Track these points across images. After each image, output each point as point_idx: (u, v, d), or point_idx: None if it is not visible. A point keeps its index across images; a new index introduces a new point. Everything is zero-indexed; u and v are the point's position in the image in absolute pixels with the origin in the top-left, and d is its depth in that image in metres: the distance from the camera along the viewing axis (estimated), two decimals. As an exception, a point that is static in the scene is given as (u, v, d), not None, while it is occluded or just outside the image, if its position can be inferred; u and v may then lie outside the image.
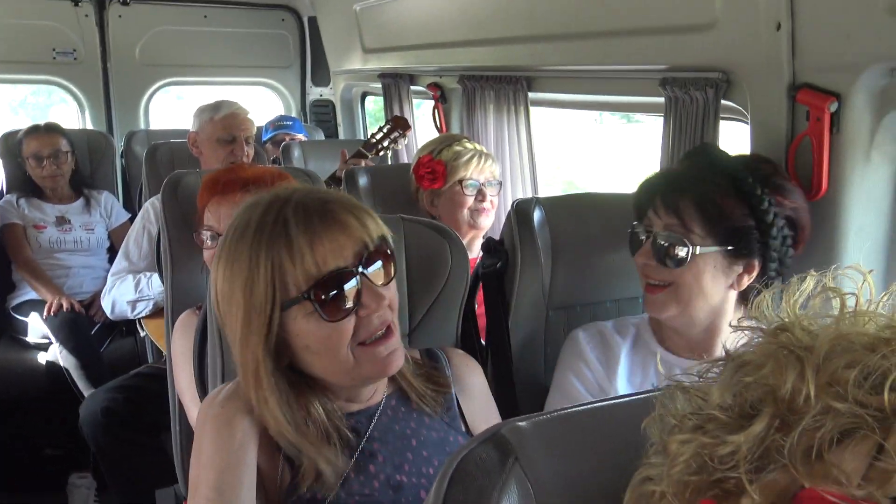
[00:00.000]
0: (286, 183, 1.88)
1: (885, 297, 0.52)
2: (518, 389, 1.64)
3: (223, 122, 2.95)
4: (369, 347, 1.11)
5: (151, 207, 2.76)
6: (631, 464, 0.59)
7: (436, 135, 3.14)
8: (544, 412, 0.69)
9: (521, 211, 1.67)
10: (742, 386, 0.50)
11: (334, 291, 1.06)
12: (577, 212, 1.72)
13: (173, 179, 2.33)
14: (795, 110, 1.56)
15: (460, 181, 2.29)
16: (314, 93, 4.55)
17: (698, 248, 1.36)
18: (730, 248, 1.37)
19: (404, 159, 3.46)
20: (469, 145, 2.36)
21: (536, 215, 1.68)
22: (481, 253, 1.82)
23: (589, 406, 0.70)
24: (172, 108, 4.70)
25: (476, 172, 2.31)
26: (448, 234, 1.58)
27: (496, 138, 2.74)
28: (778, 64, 1.55)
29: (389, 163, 3.46)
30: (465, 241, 1.95)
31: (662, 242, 1.39)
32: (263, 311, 1.06)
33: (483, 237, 2.31)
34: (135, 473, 2.49)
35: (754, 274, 1.39)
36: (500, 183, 2.38)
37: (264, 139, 4.04)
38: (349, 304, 1.08)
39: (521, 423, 0.68)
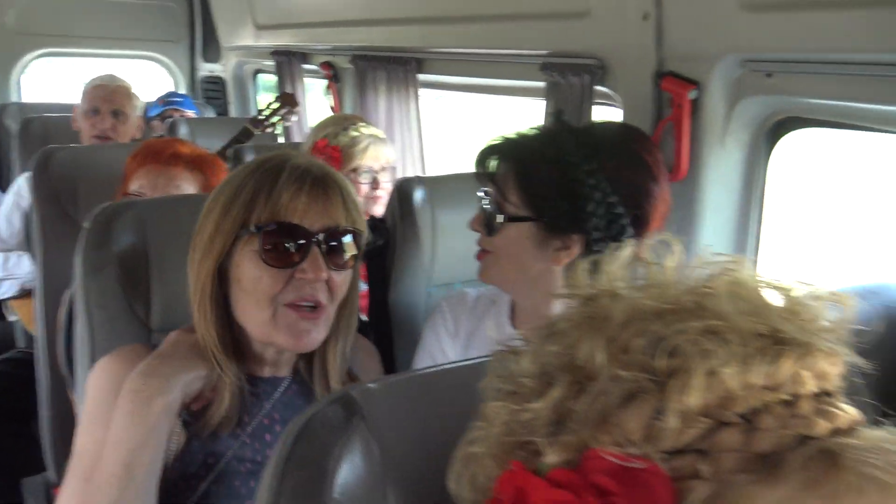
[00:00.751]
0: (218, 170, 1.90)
1: (692, 268, 0.55)
2: (398, 365, 1.67)
3: (90, 93, 2.87)
4: (292, 312, 1.12)
5: (25, 182, 2.62)
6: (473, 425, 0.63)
7: (330, 114, 3.12)
8: (395, 374, 0.72)
9: (402, 190, 1.70)
10: (547, 354, 0.53)
11: (284, 242, 1.11)
12: (459, 191, 1.76)
13: (45, 154, 2.22)
14: (661, 97, 1.65)
15: (354, 169, 2.23)
16: (205, 69, 4.40)
17: (510, 217, 1.33)
18: (544, 220, 1.31)
19: (295, 138, 3.41)
20: (365, 130, 2.30)
21: (418, 194, 1.71)
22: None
23: (437, 369, 0.73)
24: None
25: (371, 160, 2.25)
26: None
27: (387, 119, 2.74)
28: (645, 52, 1.64)
29: (280, 140, 3.41)
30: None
31: (486, 209, 1.37)
32: (227, 235, 1.12)
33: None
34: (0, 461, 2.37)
35: (574, 251, 1.31)
36: (394, 168, 2.35)
37: (150, 115, 3.87)
38: (290, 260, 1.12)
39: (370, 385, 0.71)
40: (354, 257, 1.18)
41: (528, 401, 0.53)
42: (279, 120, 3.04)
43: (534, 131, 1.41)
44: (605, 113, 1.89)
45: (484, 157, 1.39)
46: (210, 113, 4.18)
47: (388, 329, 1.71)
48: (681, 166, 1.64)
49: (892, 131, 1.40)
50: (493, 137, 1.42)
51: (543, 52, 1.95)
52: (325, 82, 3.26)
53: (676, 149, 1.63)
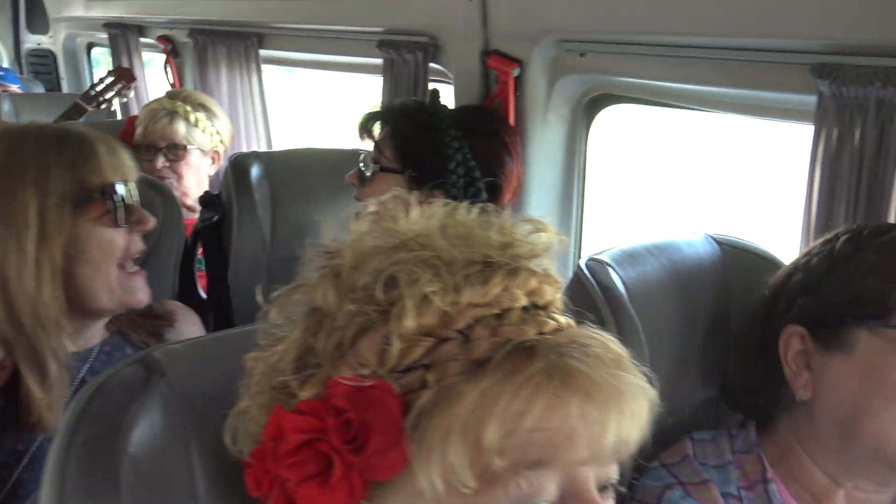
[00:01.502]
0: None
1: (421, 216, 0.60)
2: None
3: None
4: (129, 274, 1.18)
5: None
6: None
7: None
8: (199, 336, 0.73)
9: (237, 165, 1.68)
10: (290, 303, 0.59)
11: (119, 198, 1.14)
12: (296, 166, 1.77)
13: None
14: (488, 74, 1.74)
15: (136, 146, 2.12)
16: (31, 41, 4.08)
17: (381, 167, 1.49)
18: (410, 173, 1.48)
19: (133, 113, 3.25)
20: (169, 102, 2.17)
21: (254, 170, 1.71)
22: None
23: (239, 330, 0.75)
24: None
25: (145, 135, 2.13)
26: (159, 188, 1.55)
27: (229, 95, 2.68)
28: (473, 31, 1.71)
29: (120, 117, 3.25)
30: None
31: (361, 163, 1.52)
32: (58, 210, 1.09)
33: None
34: None
35: None
36: (187, 146, 2.14)
37: (-34, 92, 3.56)
38: (130, 215, 1.16)
39: (174, 346, 0.72)
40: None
41: (275, 347, 0.57)
42: (114, 95, 2.89)
43: (413, 102, 1.59)
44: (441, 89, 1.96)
45: (367, 120, 1.55)
46: (38, 88, 3.90)
47: (227, 306, 1.70)
48: (508, 141, 1.74)
49: (692, 108, 1.55)
50: (376, 105, 1.62)
51: (380, 29, 1.98)
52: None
53: (504, 124, 1.72)
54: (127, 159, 1.21)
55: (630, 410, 0.53)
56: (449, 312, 0.53)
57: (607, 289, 1.00)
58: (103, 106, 2.86)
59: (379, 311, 0.54)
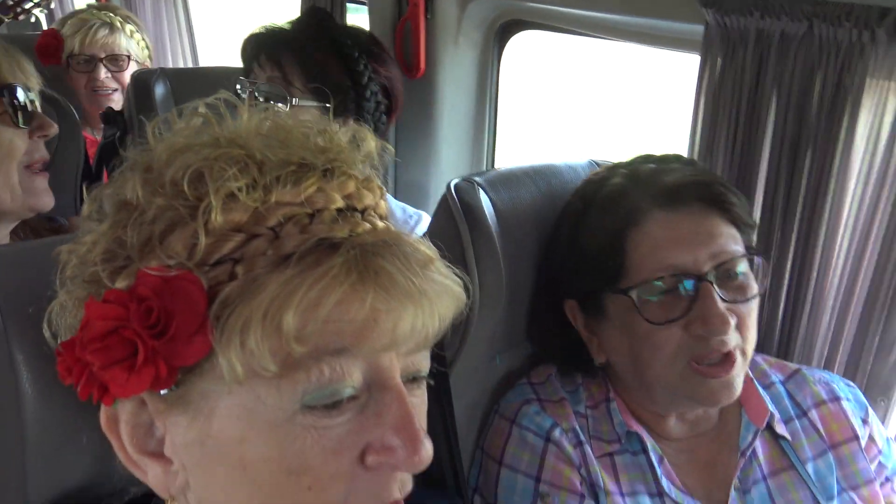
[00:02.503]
0: None
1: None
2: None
3: None
4: (32, 175, 1.17)
5: None
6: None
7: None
8: (23, 241, 0.73)
9: (138, 82, 1.65)
10: (102, 198, 0.59)
11: (19, 100, 1.16)
12: (203, 84, 1.72)
13: None
14: (401, -5, 1.71)
15: (69, 57, 2.08)
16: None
17: (297, 100, 1.41)
18: (327, 105, 1.40)
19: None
20: (101, 14, 2.12)
21: (158, 87, 1.68)
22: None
23: (62, 237, 0.76)
24: None
25: (84, 46, 2.07)
26: (57, 101, 1.51)
27: (153, 8, 2.60)
28: (384, -50, 1.68)
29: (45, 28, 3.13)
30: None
31: (263, 94, 1.43)
32: None
33: None
34: None
35: None
36: (129, 57, 2.14)
37: None
38: (31, 120, 1.17)
39: None
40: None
41: (85, 239, 0.58)
42: (34, 6, 2.77)
43: (312, 25, 1.48)
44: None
45: (261, 46, 1.44)
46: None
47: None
48: (419, 64, 1.73)
49: (595, 35, 1.56)
50: (258, 28, 1.48)
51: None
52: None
53: (414, 47, 1.71)
54: (29, 67, 1.20)
55: (428, 305, 0.56)
56: (259, 210, 0.54)
57: (470, 209, 1.01)
58: (21, 17, 2.75)
59: (187, 206, 0.54)
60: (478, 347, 1.05)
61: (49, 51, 2.07)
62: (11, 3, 2.71)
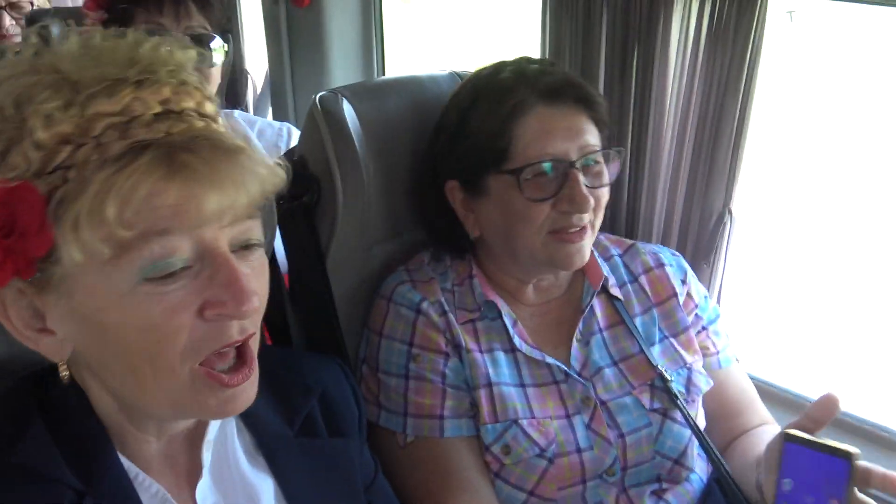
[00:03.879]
0: None
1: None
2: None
3: None
4: None
5: None
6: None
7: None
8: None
9: (33, 22, 1.69)
10: None
11: None
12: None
13: None
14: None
15: None
16: None
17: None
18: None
19: None
20: None
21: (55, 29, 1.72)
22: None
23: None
24: None
25: None
26: None
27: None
28: None
29: None
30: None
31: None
32: None
33: None
34: None
35: None
36: (32, 3, 2.15)
37: None
38: None
39: None
40: None
41: None
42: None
43: None
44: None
45: None
46: None
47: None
48: (304, -8, 1.83)
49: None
50: None
51: None
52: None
53: (298, -24, 1.81)
54: None
55: (232, 187, 0.67)
56: (81, 123, 0.65)
57: (331, 116, 1.15)
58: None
59: (16, 128, 0.65)
60: (350, 238, 1.20)
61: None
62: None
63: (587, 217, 1.12)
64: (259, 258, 0.75)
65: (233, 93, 2.06)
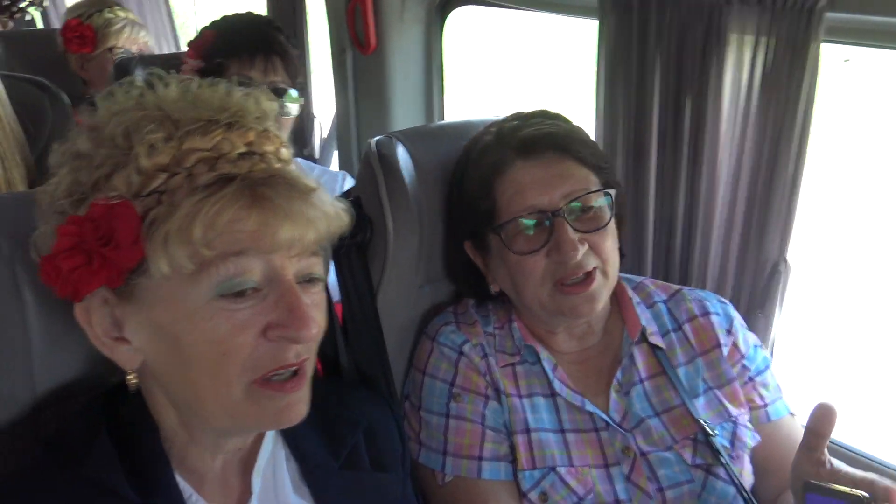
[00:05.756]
0: None
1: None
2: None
3: None
4: None
5: None
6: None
7: None
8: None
9: (120, 68, 1.83)
10: (63, 152, 0.79)
11: None
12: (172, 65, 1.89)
13: None
14: (351, -22, 1.89)
15: (111, 49, 2.32)
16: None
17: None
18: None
19: (54, 24, 3.32)
20: (121, 13, 2.37)
21: (138, 73, 1.86)
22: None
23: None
24: None
25: (128, 42, 2.34)
26: (48, 88, 1.69)
27: (137, 3, 2.79)
28: (332, -62, 1.86)
29: (40, 26, 3.32)
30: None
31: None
32: None
33: None
34: None
35: None
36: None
37: None
38: None
39: (3, 198, 0.92)
40: None
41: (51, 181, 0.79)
42: (28, 4, 2.96)
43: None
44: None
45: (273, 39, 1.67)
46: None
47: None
48: (370, 41, 1.91)
49: (523, 7, 1.73)
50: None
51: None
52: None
53: (365, 25, 1.90)
54: None
55: (305, 220, 0.75)
56: (177, 155, 0.74)
57: (386, 159, 1.21)
58: (17, 16, 2.94)
59: (124, 154, 0.75)
60: (401, 277, 1.24)
61: (85, 41, 2.31)
62: (7, 2, 2.90)
63: (591, 262, 1.12)
64: (319, 292, 0.82)
65: (300, 135, 2.15)
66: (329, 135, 2.21)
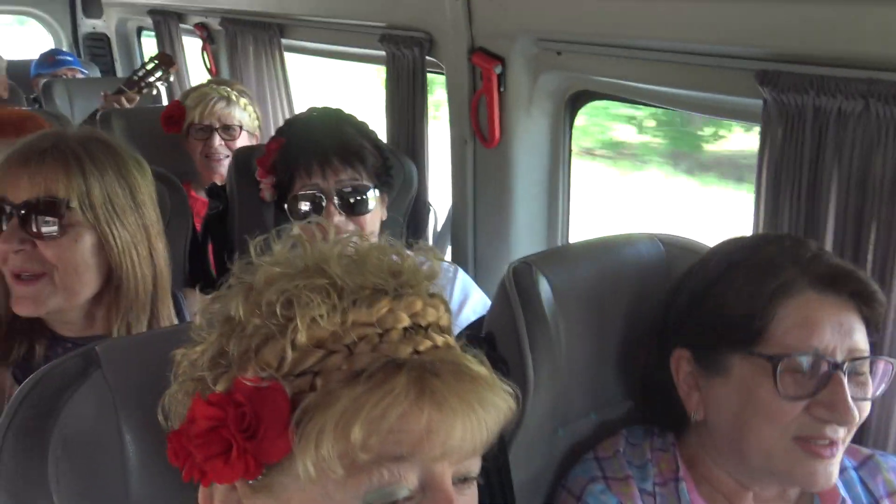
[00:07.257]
0: (36, 127, 1.88)
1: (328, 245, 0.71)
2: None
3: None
4: (16, 282, 1.15)
5: None
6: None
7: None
8: (138, 334, 0.86)
9: (240, 159, 1.82)
10: (211, 312, 0.71)
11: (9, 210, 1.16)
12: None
13: None
14: (475, 70, 1.81)
15: (188, 126, 2.33)
16: (86, 25, 4.32)
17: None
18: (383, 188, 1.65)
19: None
20: (220, 89, 2.37)
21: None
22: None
23: (173, 328, 0.88)
24: None
25: (202, 117, 2.32)
26: (168, 180, 1.69)
27: (257, 81, 2.83)
28: (460, 29, 1.79)
29: (165, 102, 3.45)
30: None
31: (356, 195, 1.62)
32: None
33: None
34: None
35: None
36: (241, 127, 2.37)
37: (33, 74, 3.83)
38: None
39: (113, 341, 0.86)
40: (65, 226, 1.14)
41: (196, 346, 0.70)
42: (156, 80, 3.07)
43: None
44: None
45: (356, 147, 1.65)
46: (95, 72, 4.14)
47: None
48: (494, 134, 1.82)
49: (659, 106, 1.60)
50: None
51: (382, 24, 2.07)
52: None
53: (489, 118, 1.81)
54: (24, 180, 1.14)
55: (476, 419, 0.64)
56: (337, 330, 0.65)
57: (525, 293, 1.08)
58: (144, 90, 3.05)
59: (279, 326, 0.65)
60: (536, 424, 1.10)
61: (172, 120, 2.34)
62: (137, 78, 3.02)
63: (842, 431, 0.95)
64: (473, 493, 0.71)
65: (414, 223, 2.07)
66: (444, 226, 2.12)
